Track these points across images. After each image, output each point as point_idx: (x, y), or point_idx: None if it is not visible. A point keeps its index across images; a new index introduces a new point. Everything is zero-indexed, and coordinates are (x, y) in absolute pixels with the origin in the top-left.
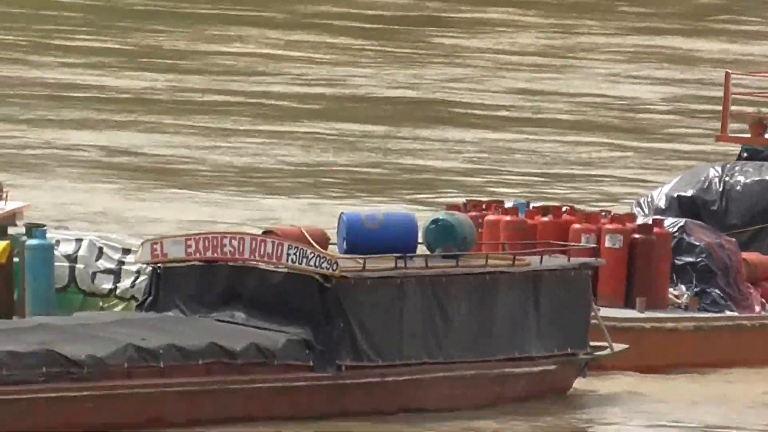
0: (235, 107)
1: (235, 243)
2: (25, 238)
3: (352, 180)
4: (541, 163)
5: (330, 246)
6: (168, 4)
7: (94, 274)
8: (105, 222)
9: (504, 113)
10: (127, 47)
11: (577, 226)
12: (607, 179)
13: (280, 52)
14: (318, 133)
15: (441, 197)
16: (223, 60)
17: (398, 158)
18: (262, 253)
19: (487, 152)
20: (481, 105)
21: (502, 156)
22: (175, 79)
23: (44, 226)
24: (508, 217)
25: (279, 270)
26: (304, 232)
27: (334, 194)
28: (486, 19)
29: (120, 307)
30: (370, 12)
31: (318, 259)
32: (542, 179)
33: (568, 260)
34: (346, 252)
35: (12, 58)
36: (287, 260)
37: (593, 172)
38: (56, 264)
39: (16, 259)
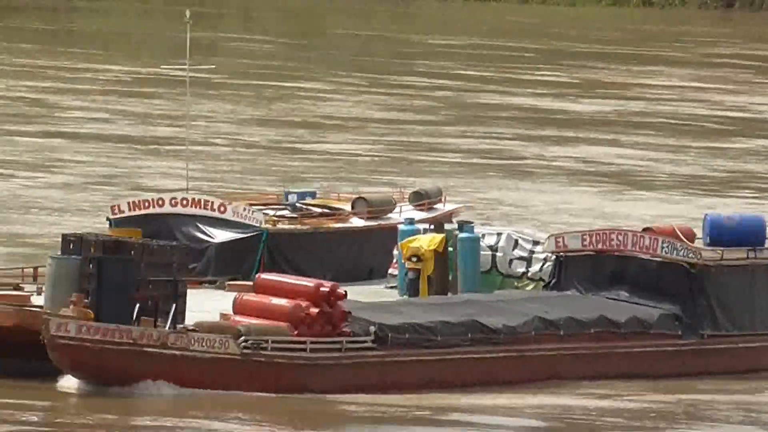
0: (670, 127)
1: (620, 237)
2: (457, 232)
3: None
4: None
5: (696, 240)
6: (597, 47)
7: (510, 260)
8: (589, 216)
9: None
10: (575, 80)
11: None
12: None
13: (693, 83)
14: (735, 148)
15: None
16: (652, 90)
17: None
18: (641, 245)
19: None
20: None
21: None
22: (618, 104)
23: (472, 223)
24: None
25: (654, 259)
26: (675, 229)
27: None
28: None
29: (530, 287)
30: (760, 53)
31: (686, 250)
32: None
33: None
34: (708, 245)
35: (490, 90)
36: (661, 251)
37: None
38: (481, 252)
39: (450, 249)
